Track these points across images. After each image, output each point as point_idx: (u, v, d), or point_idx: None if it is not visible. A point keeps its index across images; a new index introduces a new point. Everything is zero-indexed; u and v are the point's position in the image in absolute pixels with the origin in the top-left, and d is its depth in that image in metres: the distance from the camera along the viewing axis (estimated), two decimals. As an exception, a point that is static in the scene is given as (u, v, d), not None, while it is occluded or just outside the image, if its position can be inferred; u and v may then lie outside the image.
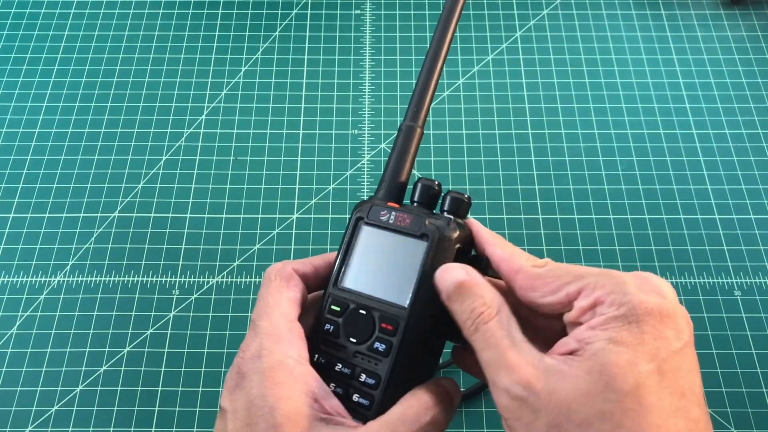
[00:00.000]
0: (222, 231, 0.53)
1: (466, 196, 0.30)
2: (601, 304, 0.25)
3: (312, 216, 0.54)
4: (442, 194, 0.30)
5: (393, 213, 0.29)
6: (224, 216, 0.54)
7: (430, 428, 0.26)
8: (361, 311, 0.29)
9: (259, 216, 0.54)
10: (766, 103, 0.59)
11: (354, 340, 0.29)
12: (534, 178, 0.55)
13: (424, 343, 0.28)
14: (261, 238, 0.53)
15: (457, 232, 0.28)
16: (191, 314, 0.49)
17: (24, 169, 0.56)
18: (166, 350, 0.48)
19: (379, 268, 0.29)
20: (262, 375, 0.26)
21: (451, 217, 0.29)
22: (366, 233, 0.30)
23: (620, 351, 0.23)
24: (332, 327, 0.29)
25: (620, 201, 0.54)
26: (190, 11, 0.65)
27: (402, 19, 0.64)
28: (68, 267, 0.51)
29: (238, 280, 0.51)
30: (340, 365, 0.29)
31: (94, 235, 0.53)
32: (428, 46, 0.32)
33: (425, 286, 0.28)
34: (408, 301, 0.28)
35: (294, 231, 0.53)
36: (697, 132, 0.58)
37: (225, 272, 0.51)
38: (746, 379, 0.47)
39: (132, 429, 0.45)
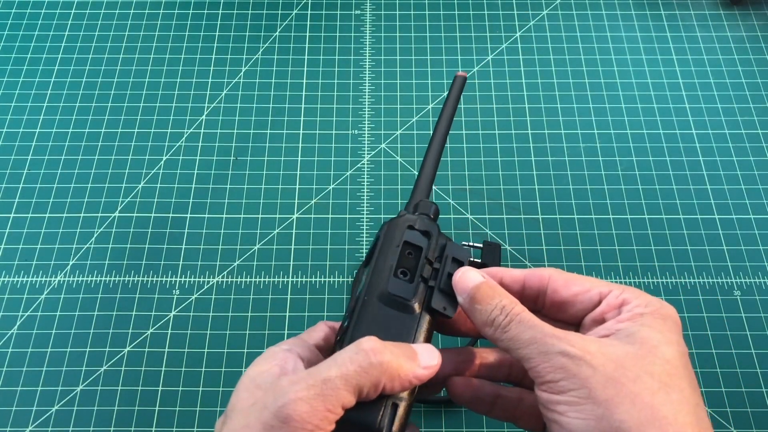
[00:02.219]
0: (222, 231, 0.53)
1: (433, 203, 0.34)
2: (628, 304, 0.28)
3: (312, 216, 0.54)
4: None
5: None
6: (224, 216, 0.54)
7: (360, 357, 0.25)
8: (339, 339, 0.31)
9: (260, 216, 0.54)
10: (766, 103, 0.59)
11: (338, 338, 0.30)
12: (534, 178, 0.55)
13: (386, 299, 0.29)
14: (261, 238, 0.53)
15: (406, 216, 0.32)
16: (191, 314, 0.49)
17: (24, 169, 0.56)
18: (166, 350, 0.48)
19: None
20: (253, 360, 0.29)
21: (407, 212, 0.33)
22: (360, 274, 0.33)
23: (654, 331, 0.27)
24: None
25: (620, 201, 0.54)
26: (191, 11, 0.65)
27: (402, 20, 0.64)
28: (69, 267, 0.51)
29: (239, 280, 0.51)
30: None
31: (95, 235, 0.53)
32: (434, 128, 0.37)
33: (380, 258, 0.30)
34: (367, 278, 0.30)
35: (294, 231, 0.53)
36: (696, 132, 0.58)
37: (225, 272, 0.51)
38: (746, 379, 0.47)
39: (132, 429, 0.45)
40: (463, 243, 0.44)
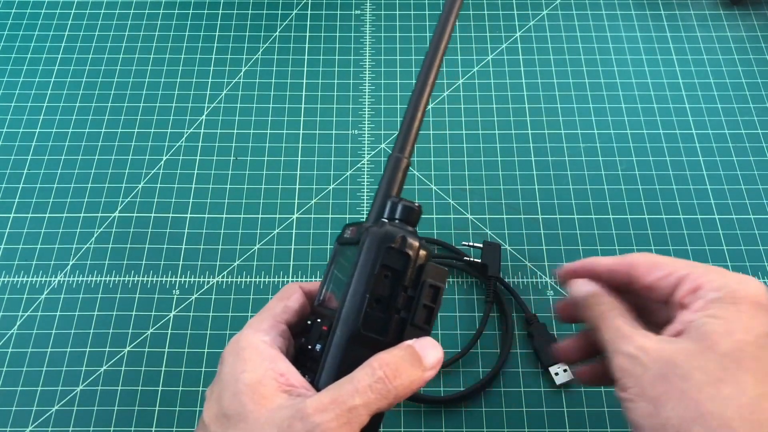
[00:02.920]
0: (222, 231, 0.53)
1: (416, 204, 0.31)
2: (702, 289, 0.28)
3: (312, 216, 0.54)
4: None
5: (349, 228, 0.32)
6: (224, 216, 0.54)
7: (379, 385, 0.26)
8: (317, 320, 0.31)
9: (260, 216, 0.54)
10: (766, 103, 0.59)
11: (309, 347, 0.30)
12: (534, 178, 0.55)
13: (357, 337, 0.28)
14: (261, 238, 0.53)
15: (386, 232, 0.29)
16: (191, 314, 0.49)
17: (24, 169, 0.56)
18: (166, 350, 0.48)
19: (339, 280, 0.31)
20: (235, 356, 0.29)
21: (386, 220, 0.30)
22: (337, 252, 0.32)
23: (719, 323, 0.27)
24: (304, 339, 0.31)
25: (620, 201, 0.54)
26: (191, 11, 0.65)
27: (402, 20, 0.64)
28: (68, 267, 0.51)
29: (239, 279, 0.51)
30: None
31: (95, 235, 0.53)
32: (419, 69, 0.33)
33: (355, 286, 0.29)
34: (340, 304, 0.29)
35: (294, 231, 0.53)
36: (696, 132, 0.58)
37: (225, 272, 0.51)
38: (746, 378, 0.47)
39: (132, 429, 0.45)
40: (464, 243, 0.45)
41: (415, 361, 0.28)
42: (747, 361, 0.26)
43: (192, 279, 0.51)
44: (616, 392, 0.28)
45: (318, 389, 0.27)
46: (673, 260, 0.31)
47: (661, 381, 0.26)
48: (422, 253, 0.29)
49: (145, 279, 0.51)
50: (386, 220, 0.30)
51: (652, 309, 0.32)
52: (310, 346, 0.30)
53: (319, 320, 0.31)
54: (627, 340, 0.28)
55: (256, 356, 0.28)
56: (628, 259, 0.32)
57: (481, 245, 0.43)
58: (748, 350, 0.26)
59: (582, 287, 0.33)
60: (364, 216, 0.54)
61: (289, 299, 0.32)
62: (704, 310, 0.28)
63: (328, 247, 0.52)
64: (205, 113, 0.59)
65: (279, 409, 0.26)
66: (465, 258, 0.50)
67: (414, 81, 0.60)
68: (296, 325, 0.32)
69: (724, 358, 0.26)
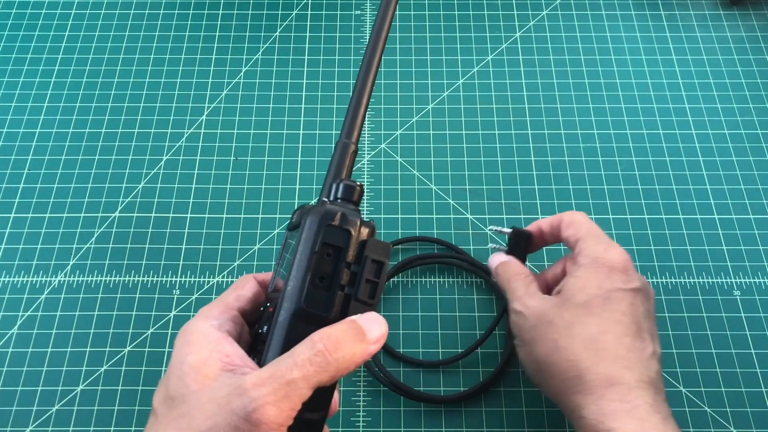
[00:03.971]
0: (222, 231, 0.53)
1: (357, 183, 0.32)
2: (580, 254, 0.39)
3: (312, 216, 0.54)
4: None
5: (294, 214, 0.32)
6: (225, 216, 0.54)
7: (318, 358, 0.26)
8: (267, 305, 0.31)
9: (260, 216, 0.54)
10: (765, 103, 0.59)
11: (260, 331, 0.30)
12: (534, 178, 0.55)
13: (300, 315, 0.29)
14: (261, 238, 0.53)
15: (325, 210, 0.30)
16: (192, 314, 0.49)
17: (25, 170, 0.56)
18: (166, 350, 0.48)
19: (286, 264, 0.31)
20: (183, 341, 0.29)
21: (326, 199, 0.31)
22: (287, 238, 0.33)
23: (577, 281, 0.38)
24: (257, 326, 0.32)
25: (620, 201, 0.54)
26: (191, 12, 0.65)
27: (401, 20, 0.64)
28: (69, 267, 0.51)
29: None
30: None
31: (95, 235, 0.53)
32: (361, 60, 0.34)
33: (297, 265, 0.29)
34: (284, 285, 0.29)
35: (294, 231, 0.53)
36: (696, 132, 0.58)
37: (225, 272, 0.51)
38: (746, 379, 0.47)
39: (132, 429, 0.45)
40: (491, 227, 0.45)
41: (358, 334, 0.28)
42: (594, 309, 0.36)
43: (192, 279, 0.51)
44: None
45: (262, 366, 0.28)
46: (583, 223, 0.40)
47: (534, 329, 0.37)
48: (364, 230, 0.30)
49: (146, 279, 0.51)
50: (326, 200, 0.31)
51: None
52: (261, 330, 0.30)
53: (268, 304, 0.31)
54: (518, 300, 0.39)
55: (202, 339, 0.29)
56: (560, 215, 0.42)
57: (509, 230, 0.43)
58: (596, 302, 0.36)
59: (496, 258, 0.43)
60: (365, 216, 0.54)
61: (242, 288, 0.33)
62: (571, 272, 0.38)
63: (328, 247, 0.52)
64: (206, 113, 0.59)
65: (220, 387, 0.26)
66: (468, 259, 0.50)
67: (413, 81, 0.60)
68: (251, 313, 0.33)
69: (577, 307, 0.36)
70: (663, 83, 0.60)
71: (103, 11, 0.65)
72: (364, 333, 0.28)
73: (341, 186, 0.31)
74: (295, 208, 0.34)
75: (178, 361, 0.28)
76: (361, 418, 0.45)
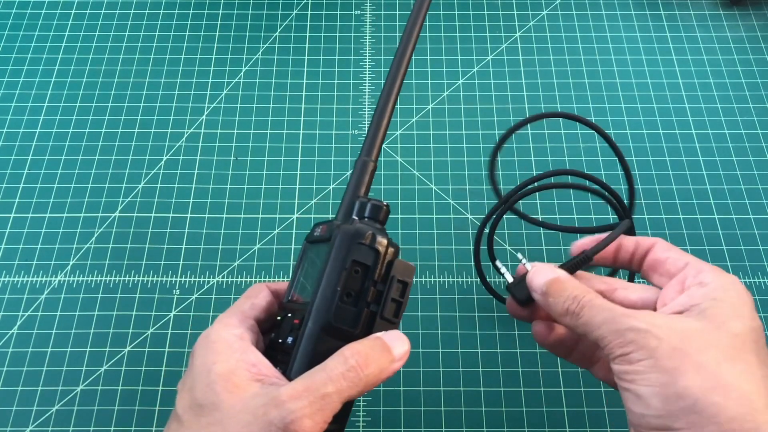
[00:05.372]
0: (222, 231, 0.53)
1: (384, 203, 0.32)
2: (703, 273, 0.30)
3: (312, 216, 0.54)
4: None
5: (319, 227, 0.33)
6: (225, 216, 0.54)
7: (351, 374, 0.28)
8: (288, 315, 0.32)
9: (260, 216, 0.54)
10: (765, 103, 0.59)
11: (280, 341, 0.31)
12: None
13: (328, 329, 0.30)
14: (261, 238, 0.53)
15: (356, 229, 0.31)
16: (192, 314, 0.49)
17: (25, 169, 0.56)
18: (166, 350, 0.48)
19: (310, 276, 0.32)
20: (206, 349, 0.29)
21: (356, 218, 0.32)
22: (307, 250, 0.34)
23: (726, 307, 0.29)
24: (274, 334, 0.32)
25: (620, 201, 0.54)
26: (191, 12, 0.65)
27: (402, 20, 0.64)
28: (69, 267, 0.51)
29: (239, 279, 0.51)
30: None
31: (95, 235, 0.53)
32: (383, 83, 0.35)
33: (326, 280, 0.30)
34: (312, 297, 0.30)
35: (294, 231, 0.53)
36: (696, 132, 0.58)
37: (225, 272, 0.51)
38: (745, 378, 0.47)
39: (132, 428, 0.45)
40: (521, 258, 0.39)
41: (384, 351, 0.29)
42: (751, 345, 0.28)
43: (192, 279, 0.51)
44: (614, 369, 0.29)
45: (290, 379, 0.28)
46: (682, 254, 0.33)
47: (678, 353, 0.27)
48: (390, 249, 0.31)
49: (146, 279, 0.51)
50: (356, 218, 0.32)
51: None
52: (281, 340, 0.31)
53: (290, 315, 0.32)
54: (631, 316, 0.29)
55: (227, 348, 0.29)
56: (639, 238, 0.35)
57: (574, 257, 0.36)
58: (753, 335, 0.28)
59: (541, 274, 0.33)
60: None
61: (256, 297, 0.33)
62: (705, 294, 0.29)
63: (328, 247, 0.52)
64: (206, 113, 0.59)
65: (253, 397, 0.27)
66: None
67: (413, 81, 0.60)
68: (264, 321, 0.33)
69: (735, 338, 0.28)
70: (663, 83, 0.60)
71: (103, 11, 0.65)
72: (390, 350, 0.29)
73: (369, 206, 0.32)
74: (315, 222, 0.34)
75: (204, 368, 0.29)
76: (361, 418, 0.45)
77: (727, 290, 0.29)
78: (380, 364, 0.29)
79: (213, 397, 0.28)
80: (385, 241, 0.31)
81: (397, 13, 0.65)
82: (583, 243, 0.35)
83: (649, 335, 0.28)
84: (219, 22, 0.64)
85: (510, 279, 0.37)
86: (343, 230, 0.30)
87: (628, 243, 0.35)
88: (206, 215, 0.54)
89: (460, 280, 0.51)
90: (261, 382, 0.28)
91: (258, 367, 0.29)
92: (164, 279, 0.51)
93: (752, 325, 0.28)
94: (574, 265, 0.34)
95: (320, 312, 0.29)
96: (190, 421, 0.28)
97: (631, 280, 0.47)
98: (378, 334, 0.30)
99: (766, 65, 0.61)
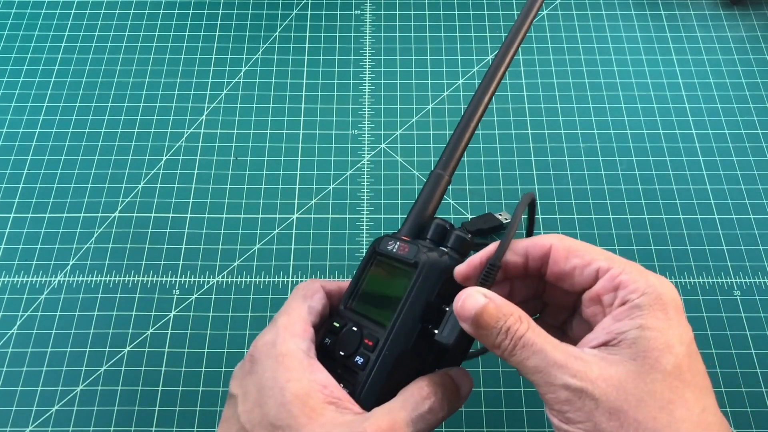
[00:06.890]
0: (222, 231, 0.53)
1: (469, 235, 0.32)
2: (623, 288, 0.27)
3: (312, 216, 0.54)
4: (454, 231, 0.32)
5: (397, 243, 0.32)
6: (224, 216, 0.54)
7: (429, 416, 0.28)
8: (353, 328, 0.31)
9: (260, 216, 0.54)
10: (766, 103, 0.59)
11: (342, 353, 0.31)
12: (534, 178, 0.55)
13: (403, 359, 0.30)
14: (261, 238, 0.53)
15: (447, 264, 0.30)
16: (191, 314, 0.49)
17: (24, 170, 0.56)
18: (166, 350, 0.48)
19: (380, 291, 0.32)
20: (274, 360, 0.29)
21: (446, 249, 0.31)
22: (374, 261, 0.33)
23: (655, 336, 0.26)
24: (329, 341, 0.32)
25: (620, 201, 0.54)
26: (191, 11, 0.65)
27: (402, 20, 0.64)
28: (69, 267, 0.51)
29: (239, 279, 0.51)
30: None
31: (95, 235, 0.53)
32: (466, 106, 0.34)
33: (409, 309, 0.30)
34: (390, 322, 0.30)
35: (294, 231, 0.53)
36: (696, 132, 0.58)
37: (225, 272, 0.51)
38: (746, 379, 0.47)
39: (132, 429, 0.45)
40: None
41: (455, 391, 0.30)
42: (686, 376, 0.26)
43: (192, 279, 0.51)
44: (551, 419, 0.27)
45: (359, 402, 0.29)
46: (588, 247, 0.29)
47: (616, 415, 0.25)
48: None
49: (145, 279, 0.51)
50: (445, 249, 0.31)
51: (552, 301, 0.32)
52: (342, 353, 0.31)
53: (355, 328, 0.31)
54: (562, 369, 0.26)
55: (297, 365, 0.29)
56: (542, 241, 0.30)
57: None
58: (685, 364, 0.26)
59: (472, 299, 0.28)
60: (365, 216, 0.54)
61: (312, 299, 0.33)
62: (631, 317, 0.27)
63: (329, 247, 0.52)
64: (205, 113, 0.59)
65: (333, 425, 0.27)
66: None
67: (413, 81, 0.60)
68: (318, 326, 0.33)
69: (668, 377, 0.25)
70: (663, 83, 0.60)
71: (103, 11, 0.65)
72: (458, 390, 0.30)
73: (455, 236, 0.32)
74: (374, 237, 0.35)
75: (276, 385, 0.28)
76: (361, 418, 0.45)
77: (652, 307, 0.26)
78: (452, 406, 0.29)
79: (290, 420, 0.27)
80: None
81: (397, 13, 0.65)
82: (463, 270, 0.30)
83: (585, 396, 0.25)
84: (219, 22, 0.64)
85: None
86: (433, 261, 0.30)
87: (527, 248, 0.30)
88: (206, 215, 0.54)
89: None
90: (335, 405, 0.28)
91: (329, 389, 0.28)
92: (164, 279, 0.51)
93: (683, 351, 0.26)
94: (484, 280, 0.29)
95: (399, 340, 0.29)
96: None
97: None
98: (447, 370, 0.30)
99: (766, 65, 0.61)
